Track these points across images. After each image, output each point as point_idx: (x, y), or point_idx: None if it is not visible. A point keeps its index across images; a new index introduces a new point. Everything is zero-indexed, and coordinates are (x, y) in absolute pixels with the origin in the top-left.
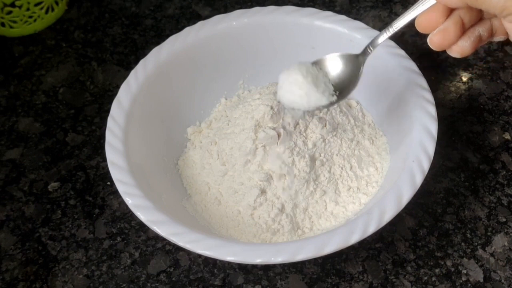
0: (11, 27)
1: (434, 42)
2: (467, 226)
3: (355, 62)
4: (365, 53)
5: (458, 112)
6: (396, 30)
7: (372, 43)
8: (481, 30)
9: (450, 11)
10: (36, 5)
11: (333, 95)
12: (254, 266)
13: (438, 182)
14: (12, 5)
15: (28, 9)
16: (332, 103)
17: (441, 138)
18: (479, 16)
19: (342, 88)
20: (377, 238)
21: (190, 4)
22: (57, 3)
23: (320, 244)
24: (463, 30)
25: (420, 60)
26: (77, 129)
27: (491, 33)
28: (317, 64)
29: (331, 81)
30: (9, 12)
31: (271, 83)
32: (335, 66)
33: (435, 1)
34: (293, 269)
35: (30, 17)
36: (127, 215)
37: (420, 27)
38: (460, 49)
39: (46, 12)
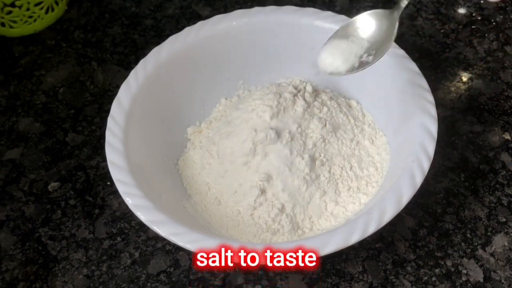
0: (11, 27)
1: None
2: (467, 226)
3: (390, 18)
4: (398, 7)
5: (458, 112)
6: None
7: None
8: None
9: None
10: (36, 5)
11: (361, 57)
12: None
13: (438, 182)
14: (12, 5)
15: (28, 9)
16: (366, 63)
17: (441, 138)
18: None
19: (378, 47)
20: (377, 238)
21: (190, 4)
22: (57, 3)
23: (320, 244)
24: None
25: (420, 60)
26: (77, 129)
27: None
28: (350, 26)
29: (367, 41)
30: (9, 12)
31: (271, 83)
32: (368, 25)
33: None
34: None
35: (30, 17)
36: (127, 215)
37: None
38: None
39: (46, 12)
